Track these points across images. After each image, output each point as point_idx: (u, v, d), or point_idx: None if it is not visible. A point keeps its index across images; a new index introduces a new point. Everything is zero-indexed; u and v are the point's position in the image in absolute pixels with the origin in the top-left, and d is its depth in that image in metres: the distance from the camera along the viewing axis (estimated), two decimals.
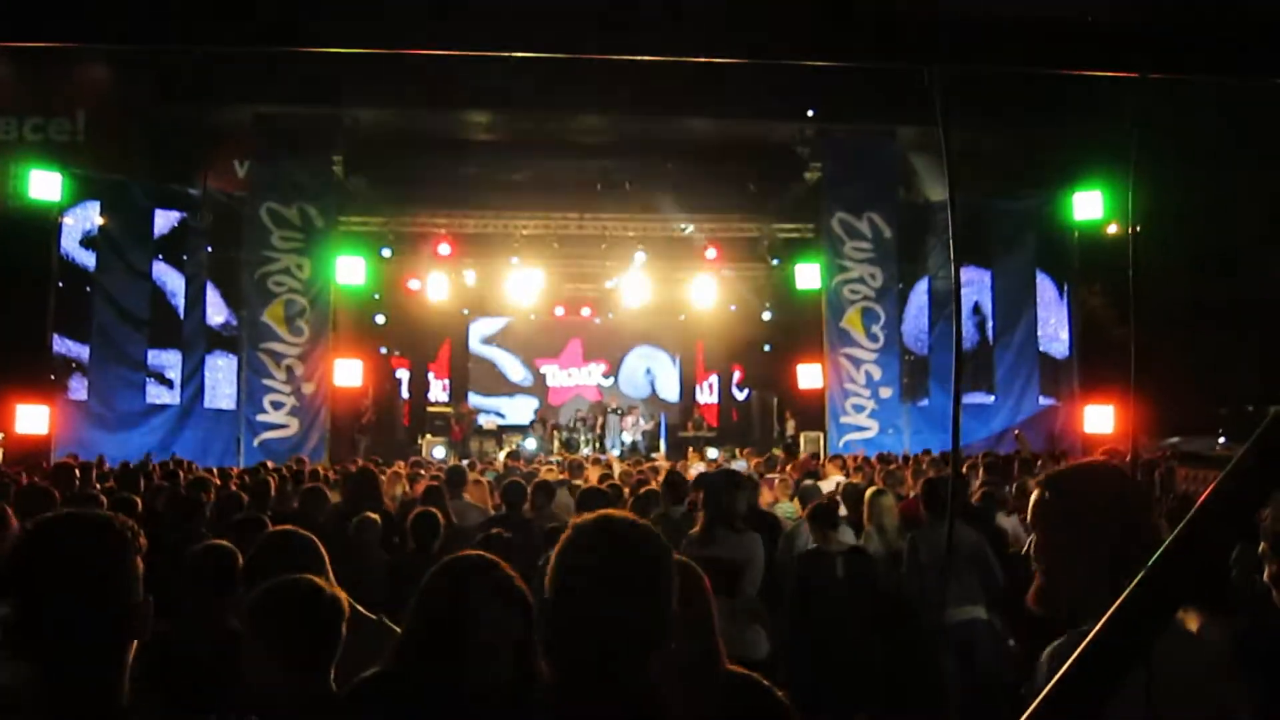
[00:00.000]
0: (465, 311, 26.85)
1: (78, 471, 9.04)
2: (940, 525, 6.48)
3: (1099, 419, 17.68)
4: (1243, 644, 2.13)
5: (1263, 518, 2.42)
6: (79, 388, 17.77)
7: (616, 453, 21.93)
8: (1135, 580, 0.98)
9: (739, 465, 14.15)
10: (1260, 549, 2.45)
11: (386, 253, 21.85)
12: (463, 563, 2.32)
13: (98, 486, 8.43)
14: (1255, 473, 0.94)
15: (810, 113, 19.99)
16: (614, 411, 24.48)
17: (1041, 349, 19.77)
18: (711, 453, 20.48)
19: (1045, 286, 19.85)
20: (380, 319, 23.70)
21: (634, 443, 23.61)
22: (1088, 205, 18.30)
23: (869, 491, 7.91)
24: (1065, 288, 19.67)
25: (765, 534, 6.59)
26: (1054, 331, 19.79)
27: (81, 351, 17.85)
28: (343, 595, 2.80)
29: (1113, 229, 18.26)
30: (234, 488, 8.54)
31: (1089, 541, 1.92)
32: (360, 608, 3.02)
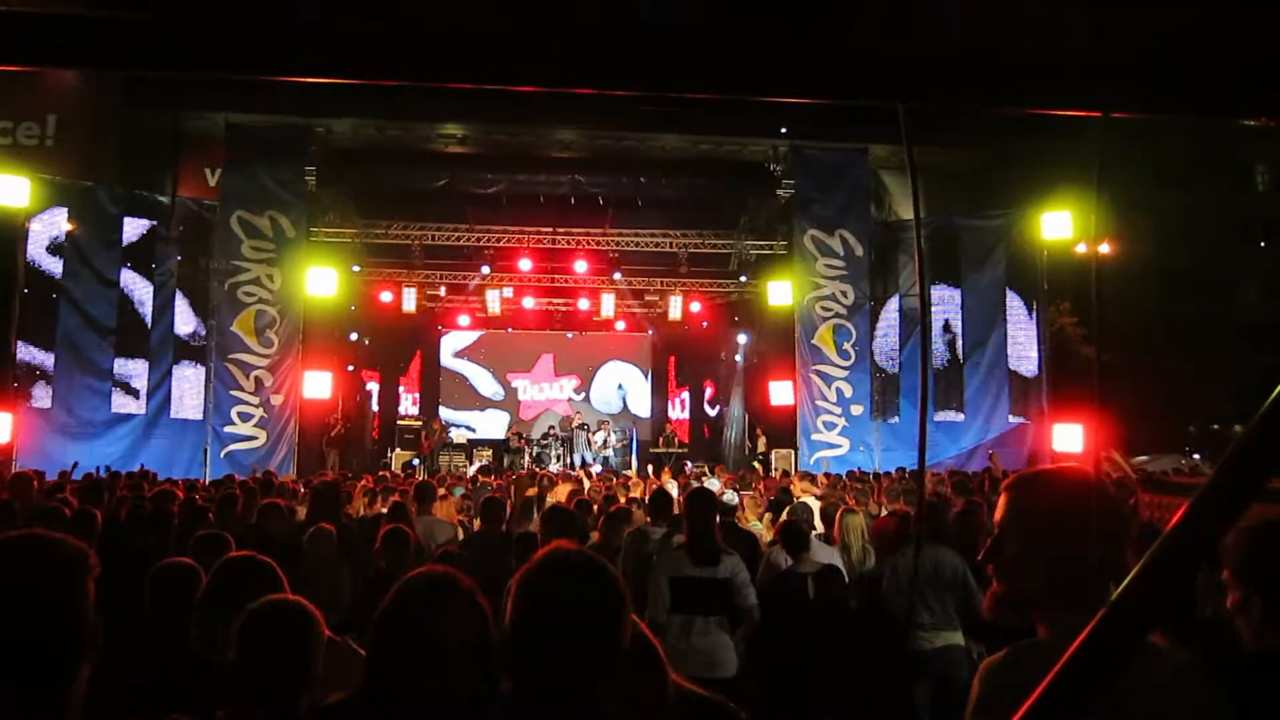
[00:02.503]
0: (438, 326, 26.78)
1: (36, 483, 8.91)
2: (931, 547, 6.46)
3: (1068, 437, 17.80)
4: (1210, 669, 2.13)
5: (1226, 544, 2.42)
6: (43, 396, 17.54)
7: (592, 469, 21.89)
8: (1105, 607, 0.98)
9: (712, 483, 14.12)
10: (1223, 576, 2.46)
11: (356, 269, 21.72)
12: (420, 580, 2.29)
13: (59, 497, 8.31)
14: (1222, 498, 0.94)
15: (783, 130, 20.14)
16: (581, 428, 24.45)
17: (1011, 367, 19.91)
18: (688, 467, 20.47)
19: (1015, 305, 20.01)
20: (354, 336, 23.57)
21: (605, 458, 23.60)
22: (1056, 225, 18.47)
23: (839, 510, 7.91)
24: (1034, 306, 19.84)
25: (743, 553, 6.57)
26: (1023, 350, 19.94)
27: (46, 360, 17.63)
28: (320, 617, 2.79)
29: (1081, 248, 18.46)
30: (199, 501, 8.43)
31: (1042, 549, 1.90)
32: (327, 630, 2.98)
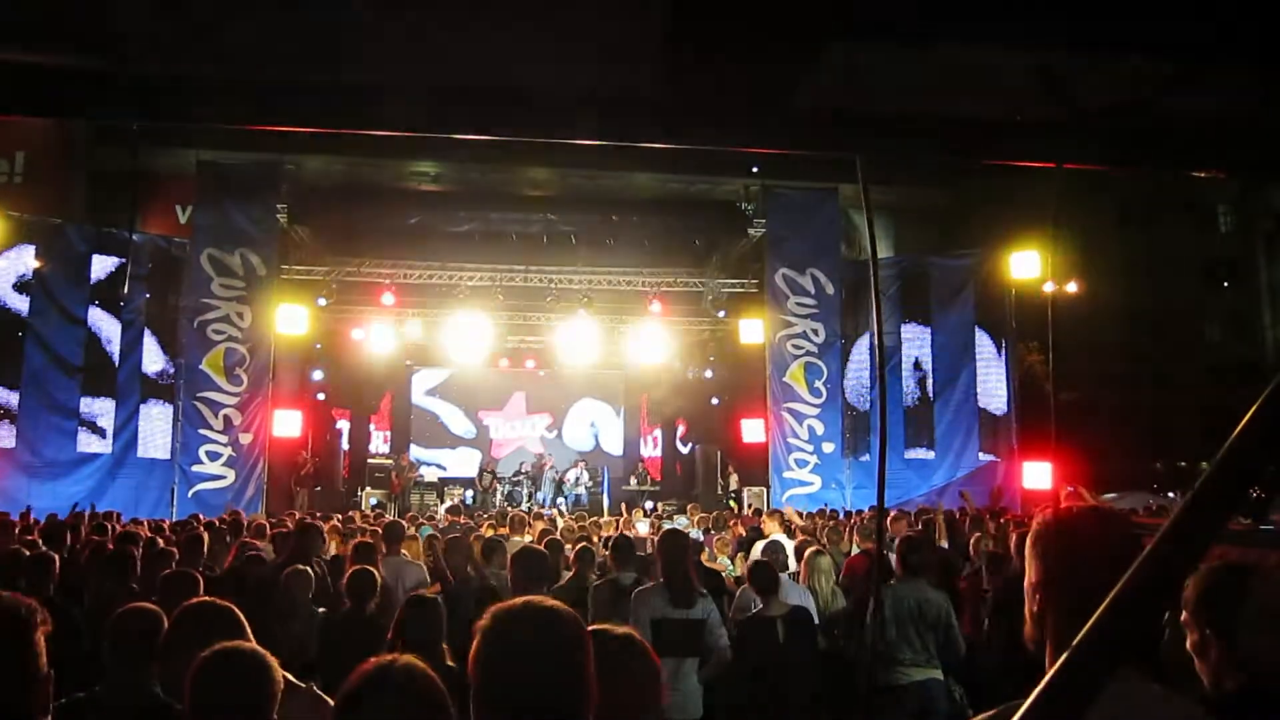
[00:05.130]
0: (409, 363, 26.66)
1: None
2: (915, 584, 6.47)
3: (1037, 475, 17.90)
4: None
5: (1185, 586, 2.44)
6: (7, 435, 17.30)
7: (561, 506, 21.77)
8: (1073, 644, 0.99)
9: (681, 521, 14.09)
10: (1182, 618, 2.48)
11: (322, 302, 21.52)
12: (366, 683, 2.11)
13: (22, 540, 8.18)
14: (1183, 540, 0.95)
15: (754, 170, 20.31)
16: (549, 469, 24.31)
17: (981, 405, 20.04)
18: (649, 504, 20.40)
19: (984, 343, 20.17)
20: (320, 374, 23.40)
21: (577, 496, 23.48)
22: (1024, 264, 18.68)
23: (808, 551, 7.88)
24: (1003, 345, 20.01)
25: (710, 591, 6.55)
26: (993, 388, 20.08)
27: (11, 398, 17.41)
28: (276, 664, 2.74)
29: (1049, 287, 18.67)
30: (163, 542, 8.32)
31: (1063, 587, 1.91)
32: (292, 677, 2.94)
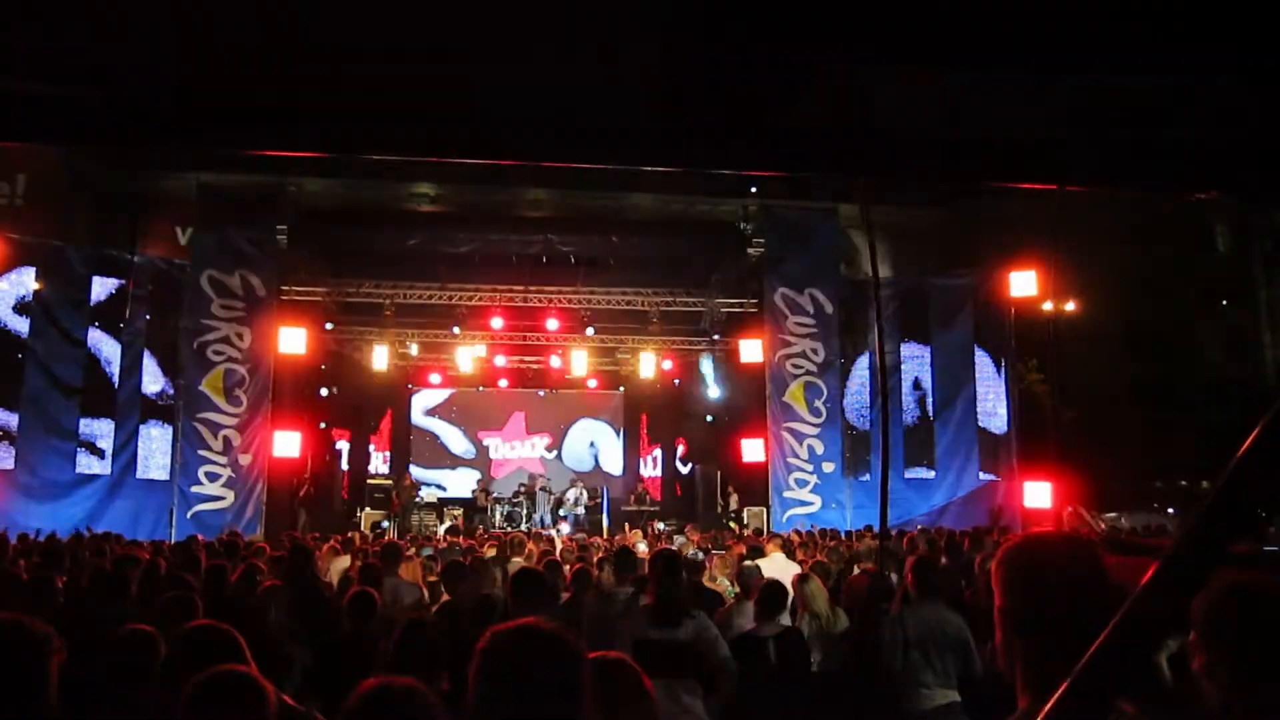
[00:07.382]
0: (409, 384, 26.67)
1: None
2: (933, 606, 6.40)
3: (1037, 494, 17.86)
4: None
5: (1193, 607, 2.42)
6: (6, 457, 17.28)
7: (562, 527, 21.71)
8: (1076, 668, 0.98)
9: (680, 542, 14.05)
10: (1190, 639, 2.45)
11: (329, 326, 21.57)
12: (366, 703, 2.11)
13: (21, 563, 8.16)
14: (1187, 564, 0.94)
15: (753, 190, 20.36)
16: (543, 490, 24.18)
17: (980, 424, 20.03)
18: (659, 525, 20.34)
19: (983, 363, 20.18)
20: (324, 391, 23.39)
21: (576, 516, 23.40)
22: (1022, 283, 18.70)
23: (793, 577, 7.81)
24: (1002, 364, 20.01)
25: (707, 613, 6.51)
26: (992, 407, 20.07)
27: (10, 420, 17.40)
28: (272, 688, 2.72)
29: (1048, 306, 18.69)
30: (163, 563, 8.30)
31: (1029, 614, 1.89)
32: (290, 700, 2.92)
